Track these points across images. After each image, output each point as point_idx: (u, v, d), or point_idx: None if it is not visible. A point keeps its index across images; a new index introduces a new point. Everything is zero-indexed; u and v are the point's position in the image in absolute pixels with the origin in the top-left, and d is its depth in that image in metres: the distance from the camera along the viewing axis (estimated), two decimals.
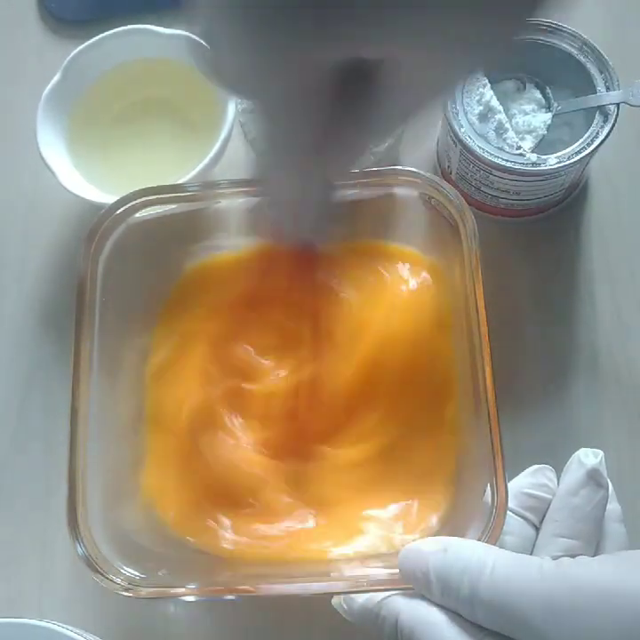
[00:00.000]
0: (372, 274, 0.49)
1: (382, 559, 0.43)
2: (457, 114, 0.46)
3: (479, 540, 0.37)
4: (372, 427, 0.46)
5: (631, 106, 0.45)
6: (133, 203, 0.45)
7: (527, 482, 0.41)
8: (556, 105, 0.47)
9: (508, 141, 0.45)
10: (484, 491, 0.38)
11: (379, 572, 0.40)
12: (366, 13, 0.22)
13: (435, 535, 0.43)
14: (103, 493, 0.42)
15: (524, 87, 0.48)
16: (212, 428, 0.46)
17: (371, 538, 0.44)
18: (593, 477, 0.39)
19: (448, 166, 0.50)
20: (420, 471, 0.45)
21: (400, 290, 0.48)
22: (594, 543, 0.39)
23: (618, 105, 0.45)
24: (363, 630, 0.44)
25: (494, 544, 0.37)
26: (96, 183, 0.51)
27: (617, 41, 0.54)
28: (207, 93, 0.51)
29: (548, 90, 0.48)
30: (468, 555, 0.34)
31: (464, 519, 0.40)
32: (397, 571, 0.37)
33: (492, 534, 0.37)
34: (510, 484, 0.39)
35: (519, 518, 0.39)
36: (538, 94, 0.48)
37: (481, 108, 0.46)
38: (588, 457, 0.40)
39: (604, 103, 0.45)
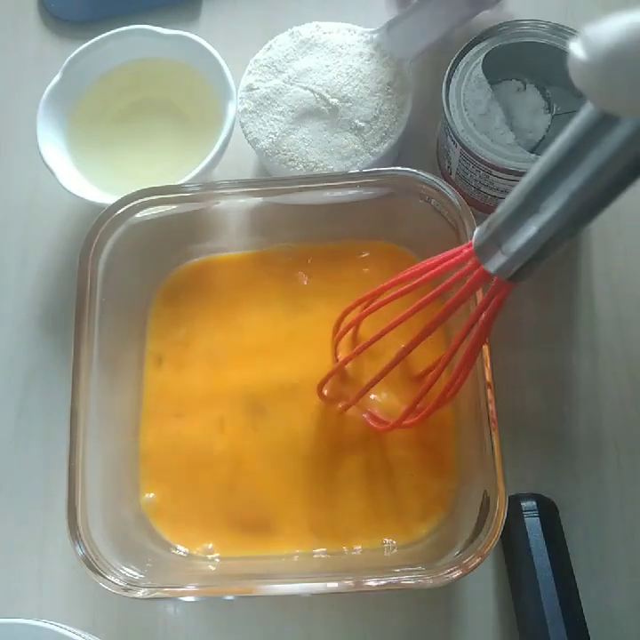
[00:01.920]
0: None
1: (383, 560, 0.43)
2: (457, 114, 0.46)
3: (478, 540, 0.37)
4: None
5: None
6: (133, 203, 0.45)
7: None
8: (556, 106, 0.47)
9: (508, 142, 0.45)
10: (485, 490, 0.38)
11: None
12: None
13: (435, 535, 0.43)
14: (103, 494, 0.42)
15: (525, 88, 0.48)
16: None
17: (371, 539, 0.44)
18: None
19: (448, 166, 0.50)
20: (421, 475, 0.45)
21: None
22: None
23: None
24: (362, 629, 0.44)
25: (493, 543, 0.37)
26: (96, 183, 0.51)
27: None
28: (207, 93, 0.51)
29: (549, 90, 0.48)
30: None
31: (464, 519, 0.40)
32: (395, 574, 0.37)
33: (493, 534, 0.37)
34: None
35: None
36: (538, 95, 0.48)
37: (481, 108, 0.46)
38: None
39: None
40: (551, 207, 0.32)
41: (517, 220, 0.34)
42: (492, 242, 0.35)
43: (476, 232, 0.37)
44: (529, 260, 0.35)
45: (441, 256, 0.39)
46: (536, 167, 0.32)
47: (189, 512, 0.45)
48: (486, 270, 0.36)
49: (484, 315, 0.38)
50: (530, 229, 0.33)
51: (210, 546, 0.45)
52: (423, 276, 0.40)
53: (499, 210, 0.35)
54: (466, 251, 0.38)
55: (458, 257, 0.38)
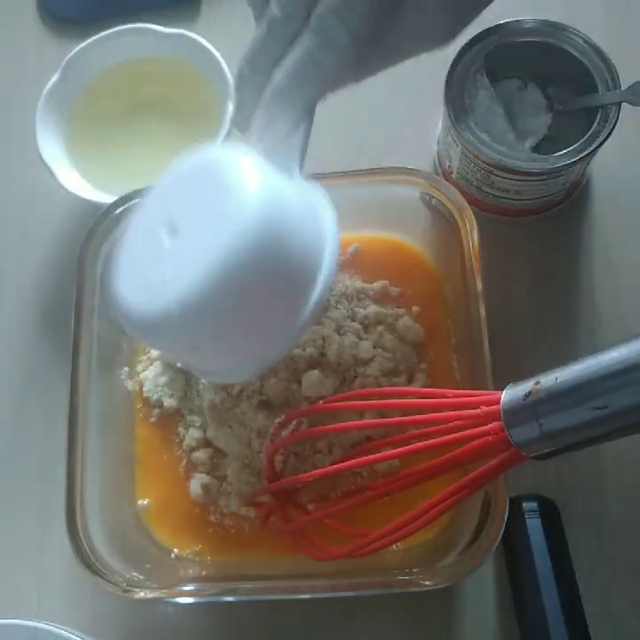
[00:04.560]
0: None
1: (385, 562, 0.43)
2: (458, 113, 0.46)
3: (479, 541, 0.37)
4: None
5: (632, 105, 0.45)
6: (132, 202, 0.45)
7: None
8: (557, 104, 0.47)
9: (509, 140, 0.45)
10: (486, 491, 0.38)
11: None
12: None
13: (438, 538, 0.43)
14: (102, 495, 0.42)
15: (526, 87, 0.48)
16: None
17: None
18: None
19: (449, 166, 0.49)
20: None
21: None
22: None
23: (619, 104, 0.45)
24: (363, 631, 0.44)
25: (494, 544, 0.37)
26: (95, 183, 0.51)
27: (618, 40, 0.54)
28: (207, 92, 0.51)
29: (550, 89, 0.47)
30: None
31: (466, 521, 0.40)
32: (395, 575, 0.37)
33: (495, 535, 0.37)
34: None
35: None
36: (539, 94, 0.48)
37: (482, 107, 0.46)
38: None
39: (605, 102, 0.45)
40: (618, 405, 0.28)
41: (573, 401, 0.30)
42: (529, 411, 0.31)
43: (508, 391, 0.32)
44: (566, 446, 0.31)
45: (454, 399, 0.34)
46: (614, 353, 0.29)
47: (183, 514, 0.45)
48: (509, 439, 0.31)
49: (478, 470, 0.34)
50: (584, 417, 0.29)
51: (199, 547, 0.44)
52: (424, 419, 0.35)
53: (550, 378, 0.30)
54: (488, 408, 0.32)
55: (477, 414, 0.33)
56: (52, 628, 0.38)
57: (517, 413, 0.31)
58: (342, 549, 0.38)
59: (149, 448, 0.46)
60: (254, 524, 0.44)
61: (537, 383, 0.31)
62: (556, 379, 0.30)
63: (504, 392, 0.32)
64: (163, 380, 0.46)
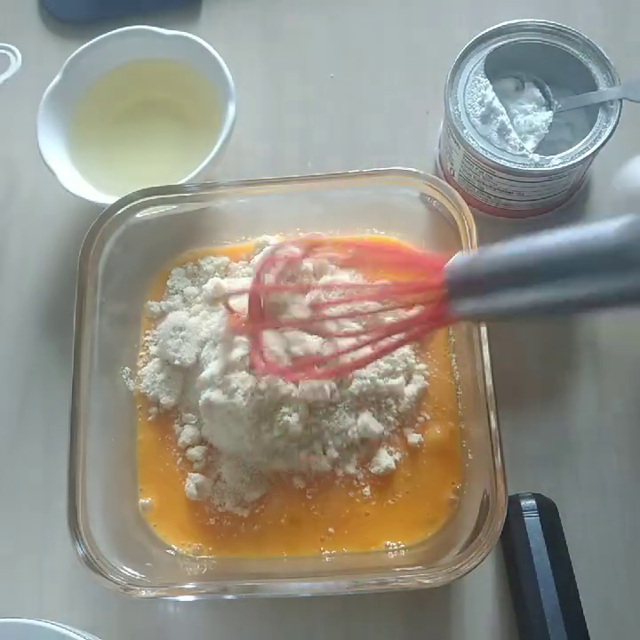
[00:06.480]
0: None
1: (385, 561, 0.43)
2: (459, 116, 0.46)
3: (478, 540, 0.37)
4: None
5: (632, 101, 0.44)
6: (134, 203, 0.45)
7: None
8: (556, 103, 0.47)
9: (511, 142, 0.45)
10: (485, 490, 0.38)
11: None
12: None
13: (439, 537, 0.43)
14: (103, 493, 0.42)
15: (523, 86, 0.48)
16: None
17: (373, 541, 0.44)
18: None
19: (450, 168, 0.50)
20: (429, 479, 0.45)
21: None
22: None
23: (620, 101, 0.45)
24: (362, 629, 0.44)
25: (492, 543, 0.37)
26: (96, 184, 0.51)
27: (617, 40, 0.54)
28: (207, 93, 0.51)
29: (548, 88, 0.48)
30: None
31: (465, 519, 0.40)
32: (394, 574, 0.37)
33: (493, 533, 0.37)
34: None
35: None
36: (537, 92, 0.48)
37: (483, 109, 0.46)
38: None
39: (604, 99, 0.45)
40: (548, 293, 0.33)
41: (507, 280, 0.34)
42: (472, 285, 0.35)
43: (456, 259, 0.37)
44: (498, 316, 0.36)
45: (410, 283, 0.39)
46: (551, 246, 0.32)
47: (182, 513, 0.45)
48: (449, 306, 0.36)
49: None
50: (512, 295, 0.34)
51: (200, 546, 0.44)
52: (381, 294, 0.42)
53: (491, 254, 0.35)
54: (436, 279, 0.37)
55: (426, 286, 0.37)
56: (55, 626, 0.38)
57: (460, 286, 0.35)
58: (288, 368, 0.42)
59: (149, 447, 0.46)
60: (249, 523, 0.44)
61: (477, 255, 0.36)
62: (495, 257, 0.35)
63: (452, 261, 0.37)
64: (160, 377, 0.46)
